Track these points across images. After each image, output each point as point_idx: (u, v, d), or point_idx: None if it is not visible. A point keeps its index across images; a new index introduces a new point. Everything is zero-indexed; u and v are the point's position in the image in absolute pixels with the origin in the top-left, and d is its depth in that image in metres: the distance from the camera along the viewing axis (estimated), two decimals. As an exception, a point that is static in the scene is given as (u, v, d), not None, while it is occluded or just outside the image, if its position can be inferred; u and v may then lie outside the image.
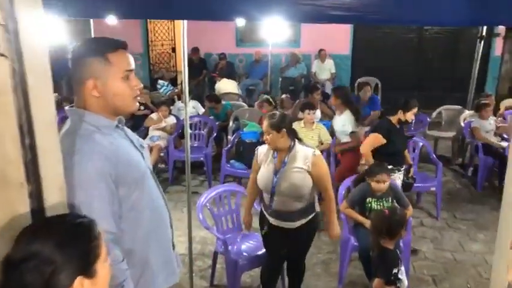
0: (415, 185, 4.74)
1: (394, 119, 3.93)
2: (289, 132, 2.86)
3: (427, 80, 9.66)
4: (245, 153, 5.12)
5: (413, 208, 3.79)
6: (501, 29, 7.84)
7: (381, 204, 3.45)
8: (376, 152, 3.90)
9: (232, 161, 5.26)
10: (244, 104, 7.27)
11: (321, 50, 9.31)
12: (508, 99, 7.63)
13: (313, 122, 5.19)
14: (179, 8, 3.06)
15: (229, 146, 5.39)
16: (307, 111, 5.14)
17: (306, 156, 2.79)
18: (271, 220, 2.94)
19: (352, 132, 4.68)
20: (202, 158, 5.57)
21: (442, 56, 9.72)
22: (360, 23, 8.15)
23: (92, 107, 1.51)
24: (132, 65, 1.56)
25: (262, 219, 3.03)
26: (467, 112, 6.58)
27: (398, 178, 3.94)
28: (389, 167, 3.74)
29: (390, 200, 3.46)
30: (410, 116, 3.87)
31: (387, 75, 9.31)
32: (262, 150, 3.00)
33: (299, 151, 2.83)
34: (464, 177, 5.98)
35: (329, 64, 9.40)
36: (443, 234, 4.44)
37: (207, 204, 3.44)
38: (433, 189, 4.73)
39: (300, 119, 5.40)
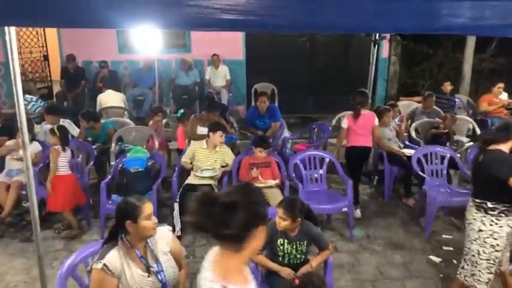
0: (323, 206, 4.34)
1: (506, 147, 2.97)
2: None
3: (320, 84, 9.54)
4: (130, 186, 4.24)
5: (324, 230, 3.34)
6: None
7: (295, 247, 2.93)
8: (498, 191, 2.91)
9: (114, 196, 4.27)
10: (129, 121, 6.29)
11: (213, 55, 8.68)
12: (404, 102, 7.75)
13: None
14: (34, 14, 2.29)
15: (109, 176, 4.42)
16: (219, 132, 4.46)
17: (166, 237, 2.42)
18: None
19: None
20: (76, 193, 4.54)
21: (334, 59, 9.68)
22: (256, 30, 7.57)
23: None
24: None
25: None
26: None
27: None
28: (507, 205, 2.92)
29: (305, 244, 2.92)
30: None
31: (282, 80, 9.02)
32: (111, 259, 2.16)
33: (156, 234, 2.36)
34: (370, 187, 5.77)
35: (223, 70, 8.81)
36: (360, 259, 4.05)
37: (73, 272, 2.56)
38: (345, 209, 4.33)
39: (201, 136, 4.71)
